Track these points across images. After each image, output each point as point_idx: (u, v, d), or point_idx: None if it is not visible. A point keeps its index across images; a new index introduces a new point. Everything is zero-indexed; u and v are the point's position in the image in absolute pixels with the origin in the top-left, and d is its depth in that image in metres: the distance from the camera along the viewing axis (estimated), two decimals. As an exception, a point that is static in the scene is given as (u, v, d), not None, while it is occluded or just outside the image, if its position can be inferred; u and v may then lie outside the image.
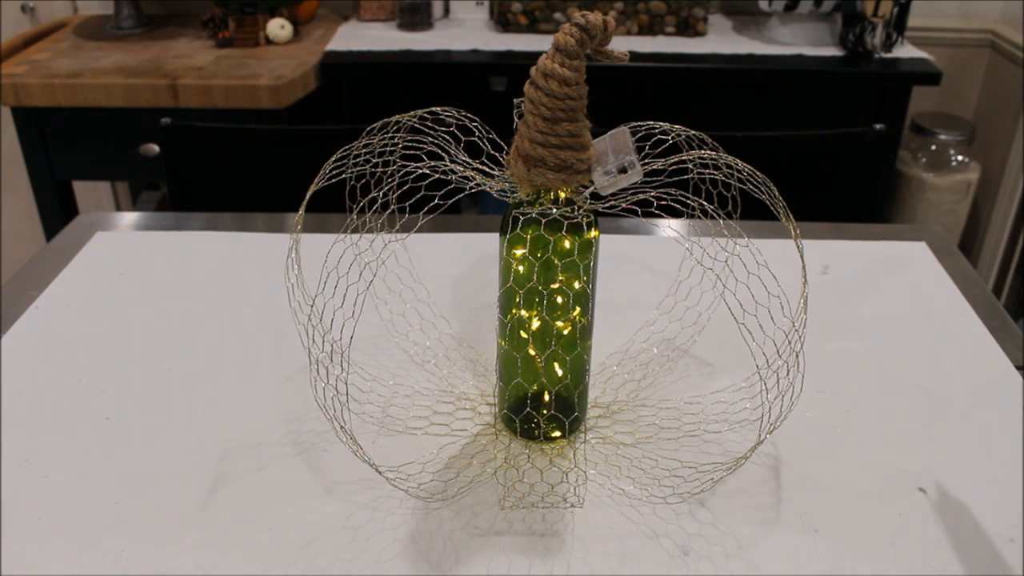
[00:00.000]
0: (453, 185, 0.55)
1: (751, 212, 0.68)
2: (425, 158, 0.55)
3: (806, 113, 1.80)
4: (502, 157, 0.57)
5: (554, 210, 0.54)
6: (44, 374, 0.70)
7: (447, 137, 0.57)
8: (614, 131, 0.55)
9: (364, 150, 0.57)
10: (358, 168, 0.57)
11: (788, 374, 0.54)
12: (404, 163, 0.56)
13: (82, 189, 2.08)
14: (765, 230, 0.93)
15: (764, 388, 0.57)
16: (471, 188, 0.55)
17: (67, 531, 0.56)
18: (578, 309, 0.59)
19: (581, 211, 0.55)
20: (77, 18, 1.94)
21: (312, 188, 0.57)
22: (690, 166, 0.57)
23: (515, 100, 0.55)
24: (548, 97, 0.51)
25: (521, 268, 0.57)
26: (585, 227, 0.55)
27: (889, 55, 1.75)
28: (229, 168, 1.31)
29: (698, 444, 0.64)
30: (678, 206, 0.54)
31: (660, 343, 0.74)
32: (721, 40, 1.84)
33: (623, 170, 0.53)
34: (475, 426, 0.65)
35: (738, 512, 0.58)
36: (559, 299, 0.58)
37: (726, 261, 0.55)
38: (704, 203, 0.54)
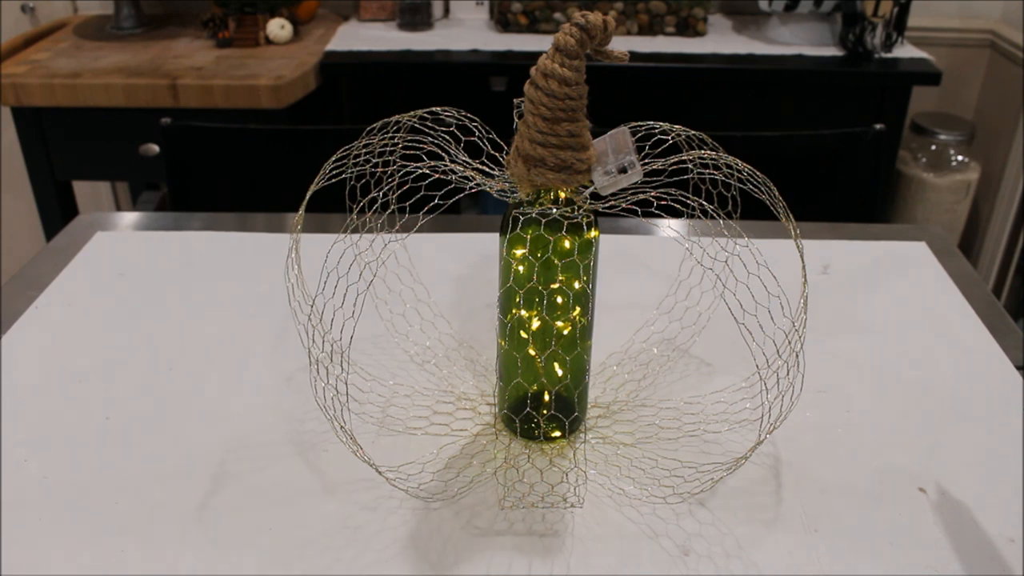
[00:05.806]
0: (453, 185, 0.55)
1: (751, 212, 0.68)
2: (425, 158, 0.55)
3: (806, 113, 1.80)
4: (502, 157, 0.57)
5: (554, 210, 0.54)
6: (44, 374, 0.70)
7: (447, 137, 0.57)
8: (614, 131, 0.55)
9: (364, 150, 0.57)
10: (358, 168, 0.57)
11: (788, 374, 0.54)
12: (404, 163, 0.56)
13: (82, 189, 2.08)
14: (765, 230, 0.93)
15: (764, 388, 0.57)
16: (471, 188, 0.55)
17: (67, 531, 0.56)
18: (578, 309, 0.59)
19: (581, 211, 0.55)
20: (77, 18, 1.94)
21: (312, 188, 0.57)
22: (690, 166, 0.57)
23: (515, 100, 0.55)
24: (548, 97, 0.51)
25: (521, 268, 0.57)
26: (585, 227, 0.55)
27: (889, 55, 1.75)
28: (229, 168, 1.31)
29: (698, 444, 0.64)
30: (678, 206, 0.54)
31: (660, 343, 0.74)
32: (721, 40, 1.84)
33: (623, 170, 0.53)
34: (475, 426, 0.65)
35: (738, 512, 0.58)
36: (559, 299, 0.58)
37: (726, 261, 0.55)
38: (704, 203, 0.54)
